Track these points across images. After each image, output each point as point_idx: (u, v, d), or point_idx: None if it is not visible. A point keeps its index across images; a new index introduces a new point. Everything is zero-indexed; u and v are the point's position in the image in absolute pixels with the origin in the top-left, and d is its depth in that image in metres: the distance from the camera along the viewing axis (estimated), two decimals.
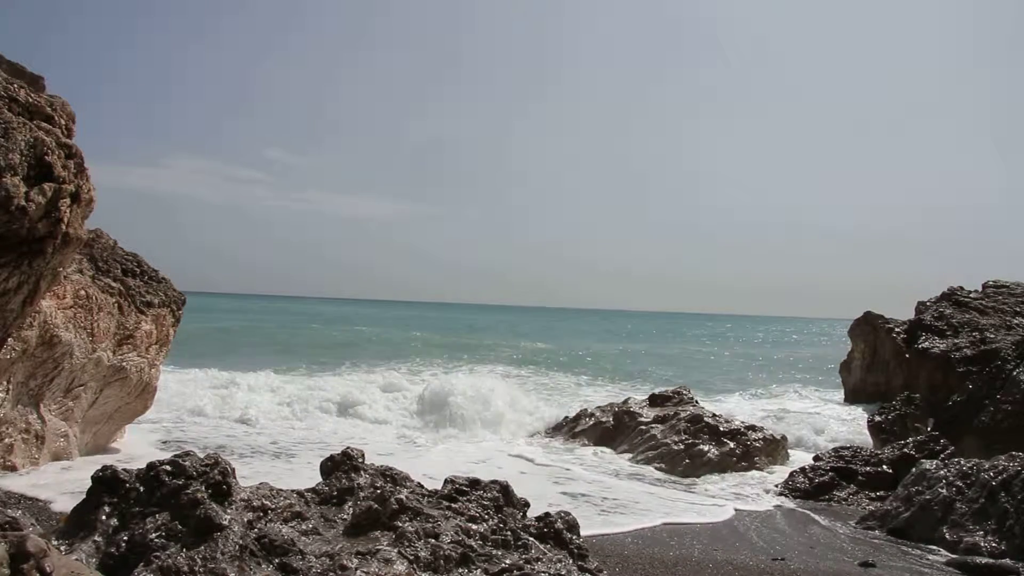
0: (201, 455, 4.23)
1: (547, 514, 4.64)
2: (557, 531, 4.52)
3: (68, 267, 8.36)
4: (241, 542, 3.71)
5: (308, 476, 6.20)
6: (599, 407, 14.26)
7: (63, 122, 6.83)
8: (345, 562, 3.74)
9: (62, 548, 3.61)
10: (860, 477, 10.05)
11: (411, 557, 3.90)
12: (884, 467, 10.16)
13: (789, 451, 12.21)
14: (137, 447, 10.63)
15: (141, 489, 3.98)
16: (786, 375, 27.78)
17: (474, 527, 4.30)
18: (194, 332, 26.35)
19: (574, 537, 4.57)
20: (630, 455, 12.02)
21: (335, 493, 4.42)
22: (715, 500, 9.35)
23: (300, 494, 4.35)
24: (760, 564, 6.30)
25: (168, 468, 4.04)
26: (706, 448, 11.59)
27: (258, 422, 13.26)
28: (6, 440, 8.29)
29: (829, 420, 14.78)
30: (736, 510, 8.70)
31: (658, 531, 7.47)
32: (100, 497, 3.96)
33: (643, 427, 12.66)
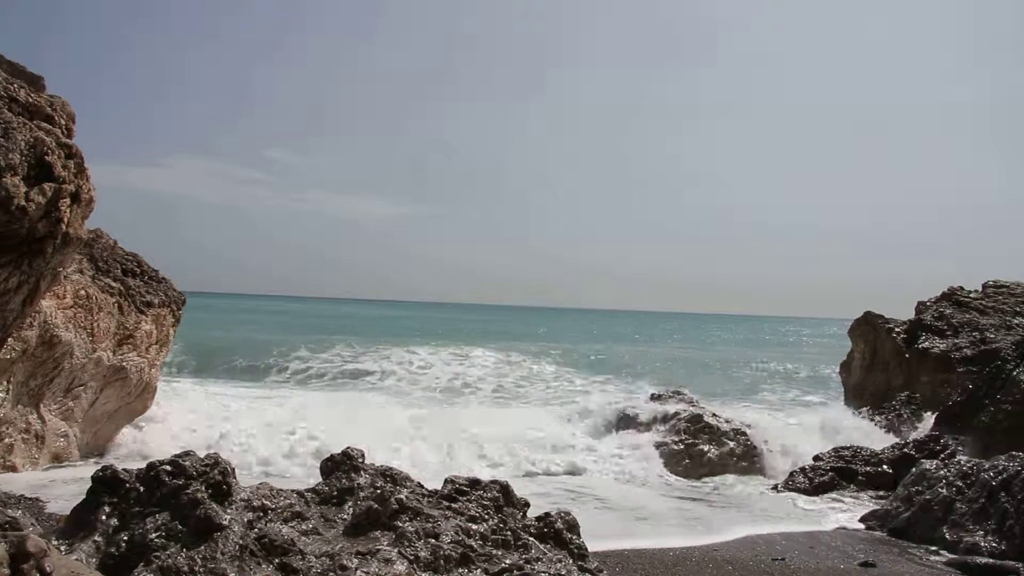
0: (201, 455, 4.23)
1: (547, 514, 4.64)
2: (557, 531, 4.52)
3: (68, 267, 8.37)
4: (241, 542, 3.71)
5: None
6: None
7: (63, 122, 6.84)
8: (345, 562, 3.74)
9: (62, 548, 3.61)
10: (860, 477, 10.05)
11: (411, 557, 3.90)
12: (884, 467, 10.16)
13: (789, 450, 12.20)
14: (137, 447, 10.62)
15: (141, 489, 3.98)
16: (785, 374, 27.77)
17: (474, 527, 4.30)
18: None
19: (574, 537, 4.57)
20: None
21: (335, 493, 4.42)
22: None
23: (300, 494, 4.35)
24: (760, 564, 6.30)
25: (168, 468, 4.03)
26: (706, 448, 11.60)
27: None
28: (6, 440, 8.29)
29: (828, 420, 14.77)
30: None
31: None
32: (100, 497, 3.96)
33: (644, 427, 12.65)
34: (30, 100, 6.55)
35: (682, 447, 11.69)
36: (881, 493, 9.53)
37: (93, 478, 4.06)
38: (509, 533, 4.35)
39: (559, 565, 4.21)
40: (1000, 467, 7.52)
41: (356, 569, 3.72)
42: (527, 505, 4.79)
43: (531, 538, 4.38)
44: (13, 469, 8.29)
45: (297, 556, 3.72)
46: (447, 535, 4.12)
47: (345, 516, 4.22)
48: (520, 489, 4.99)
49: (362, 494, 4.35)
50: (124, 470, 4.10)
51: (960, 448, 10.08)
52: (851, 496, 9.67)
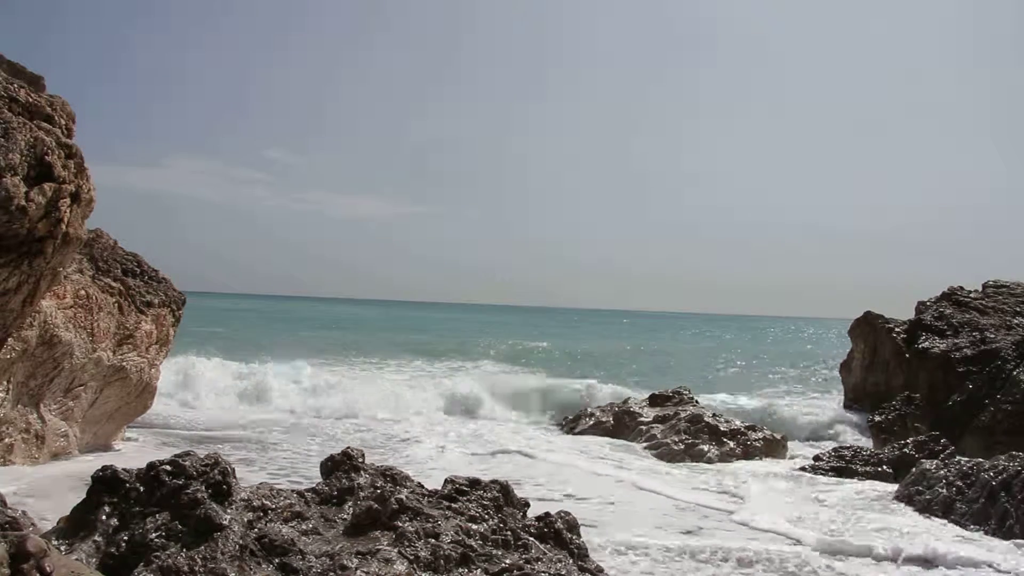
0: (201, 455, 4.23)
1: (547, 514, 4.64)
2: (557, 531, 4.52)
3: (68, 267, 8.37)
4: (241, 542, 3.71)
5: None
6: (599, 407, 14.28)
7: (63, 122, 6.83)
8: (345, 562, 3.74)
9: (62, 548, 3.61)
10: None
11: (411, 557, 3.91)
12: (884, 467, 10.16)
13: (789, 451, 12.21)
14: (137, 446, 10.63)
15: (141, 489, 3.97)
16: (786, 374, 27.77)
17: (474, 527, 4.30)
18: None
19: (574, 537, 4.57)
20: None
21: (335, 493, 4.41)
22: None
23: (300, 494, 4.35)
24: None
25: (168, 468, 4.03)
26: (706, 448, 11.60)
27: None
28: (6, 440, 8.29)
29: (827, 420, 14.79)
30: None
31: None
32: (100, 497, 3.96)
33: (643, 427, 12.67)
34: (30, 100, 6.55)
35: (682, 447, 11.70)
36: None
37: (93, 478, 4.05)
38: (509, 533, 4.35)
39: (559, 565, 4.21)
40: (1000, 467, 7.52)
41: (356, 569, 3.72)
42: (527, 505, 4.79)
43: (531, 538, 4.38)
44: None
45: (297, 556, 3.73)
46: (447, 535, 4.13)
47: (345, 516, 4.22)
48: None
49: (362, 494, 4.35)
50: (124, 470, 4.10)
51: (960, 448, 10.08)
52: None
